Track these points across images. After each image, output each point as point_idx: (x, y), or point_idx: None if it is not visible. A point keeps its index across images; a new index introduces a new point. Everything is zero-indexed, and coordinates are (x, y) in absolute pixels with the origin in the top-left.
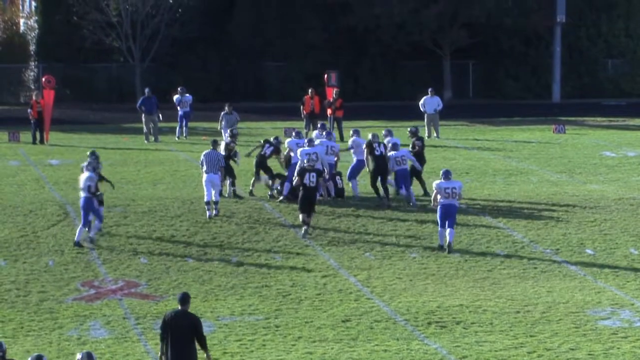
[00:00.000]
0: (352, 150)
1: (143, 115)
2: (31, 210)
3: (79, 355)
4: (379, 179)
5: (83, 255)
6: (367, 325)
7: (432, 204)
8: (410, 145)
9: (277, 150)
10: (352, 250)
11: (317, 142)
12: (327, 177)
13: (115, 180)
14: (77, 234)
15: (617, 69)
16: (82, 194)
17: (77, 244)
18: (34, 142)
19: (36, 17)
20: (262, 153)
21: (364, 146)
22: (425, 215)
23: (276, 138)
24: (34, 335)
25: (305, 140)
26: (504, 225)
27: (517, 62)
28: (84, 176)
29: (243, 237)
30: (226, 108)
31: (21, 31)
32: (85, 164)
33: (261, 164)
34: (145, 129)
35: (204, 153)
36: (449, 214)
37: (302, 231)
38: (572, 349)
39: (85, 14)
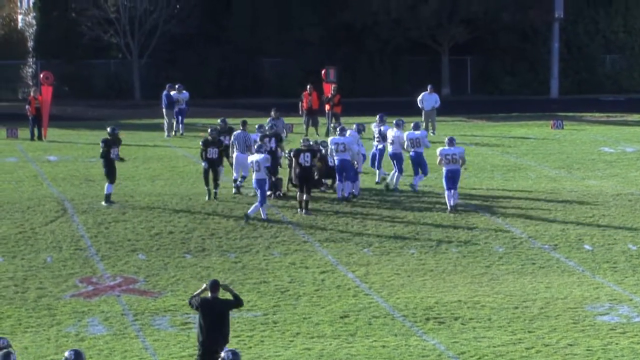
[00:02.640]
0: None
1: (166, 110)
2: (29, 207)
3: (67, 354)
4: (304, 187)
5: (81, 251)
6: (366, 321)
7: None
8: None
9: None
10: (350, 246)
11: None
12: (359, 169)
13: None
14: (262, 214)
15: (615, 64)
16: (255, 175)
17: (266, 219)
18: (32, 139)
19: (34, 14)
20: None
21: (292, 154)
22: (423, 212)
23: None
24: (32, 331)
25: (338, 129)
26: (502, 221)
27: (515, 57)
28: (257, 157)
29: (241, 233)
30: (272, 113)
31: (19, 27)
32: (257, 145)
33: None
34: (168, 124)
35: (234, 134)
36: (452, 179)
37: (301, 211)
38: (571, 345)
39: (83, 10)
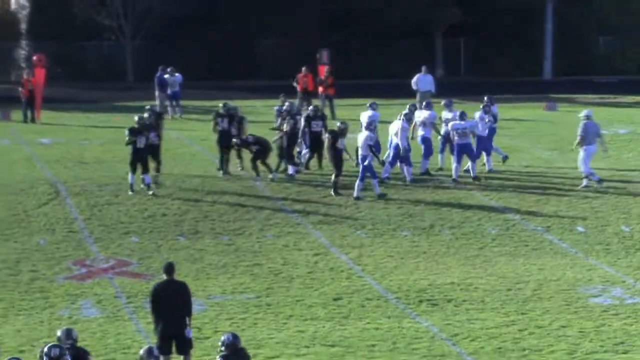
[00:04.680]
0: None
1: (158, 92)
2: (22, 189)
3: (58, 333)
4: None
5: (74, 234)
6: (359, 303)
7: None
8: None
9: (235, 119)
10: (344, 229)
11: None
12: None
13: (107, 159)
14: (356, 190)
15: (609, 46)
16: (360, 152)
17: (357, 197)
18: (25, 121)
19: None
20: (221, 129)
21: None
22: (416, 194)
23: (225, 105)
24: (25, 314)
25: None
26: (495, 203)
27: (508, 39)
28: (363, 135)
29: (234, 216)
30: (281, 98)
31: (12, 9)
32: (367, 123)
33: (223, 140)
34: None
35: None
36: (465, 152)
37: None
38: (563, 327)
39: None
